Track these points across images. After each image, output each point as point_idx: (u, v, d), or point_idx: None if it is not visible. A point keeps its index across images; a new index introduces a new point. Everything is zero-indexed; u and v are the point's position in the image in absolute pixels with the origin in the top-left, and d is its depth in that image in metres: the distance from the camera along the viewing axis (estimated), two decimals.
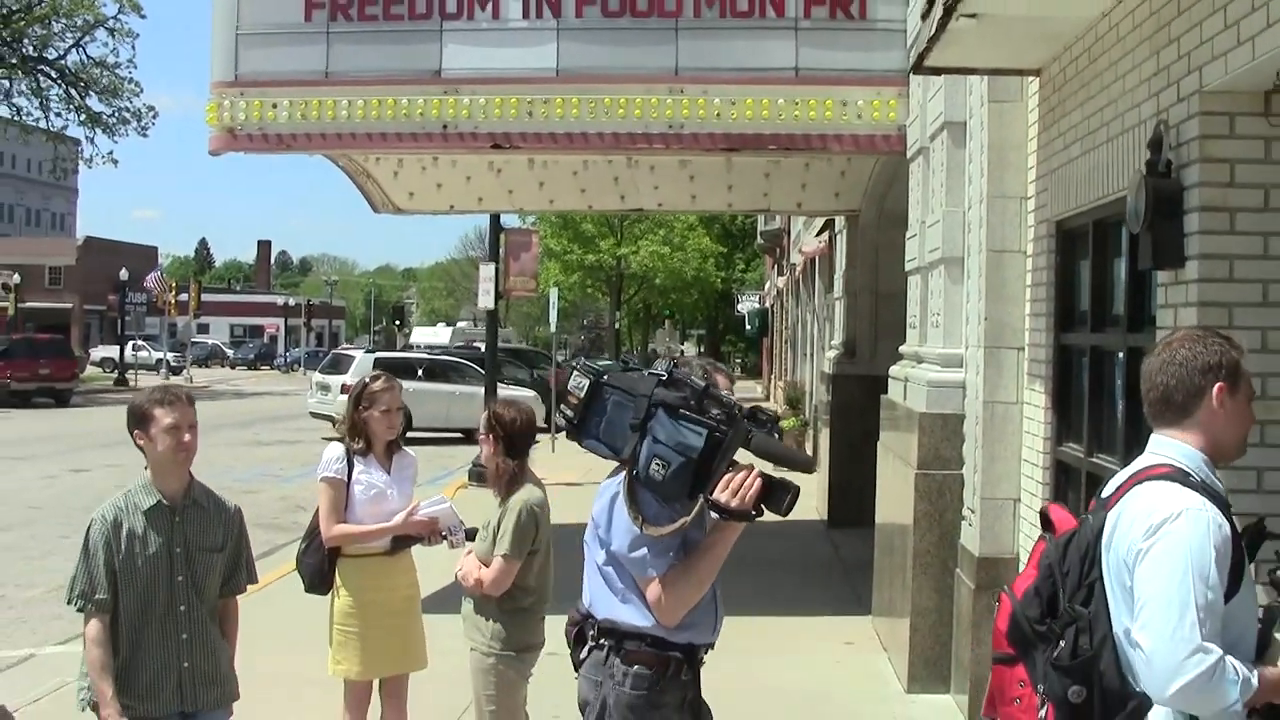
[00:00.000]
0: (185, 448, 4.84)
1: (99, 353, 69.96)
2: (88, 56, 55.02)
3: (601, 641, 4.15)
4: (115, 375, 56.14)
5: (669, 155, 13.14)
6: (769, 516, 3.94)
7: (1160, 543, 3.15)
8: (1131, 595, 3.22)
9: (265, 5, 10.85)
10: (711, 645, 4.30)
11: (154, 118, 55.54)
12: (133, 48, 60.59)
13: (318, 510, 6.20)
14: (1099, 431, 6.37)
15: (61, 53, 54.68)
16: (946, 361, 8.48)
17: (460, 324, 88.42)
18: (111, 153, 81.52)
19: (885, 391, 10.36)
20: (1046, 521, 3.75)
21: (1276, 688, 3.19)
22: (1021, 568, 7.21)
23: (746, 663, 8.69)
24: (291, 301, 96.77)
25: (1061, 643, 3.38)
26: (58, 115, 55.12)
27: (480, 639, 5.53)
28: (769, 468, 3.93)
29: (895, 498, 9.30)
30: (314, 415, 30.90)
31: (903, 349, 10.00)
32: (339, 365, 30.78)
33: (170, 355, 66.01)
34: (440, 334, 68.48)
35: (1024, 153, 7.68)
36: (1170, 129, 4.96)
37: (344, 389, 28.72)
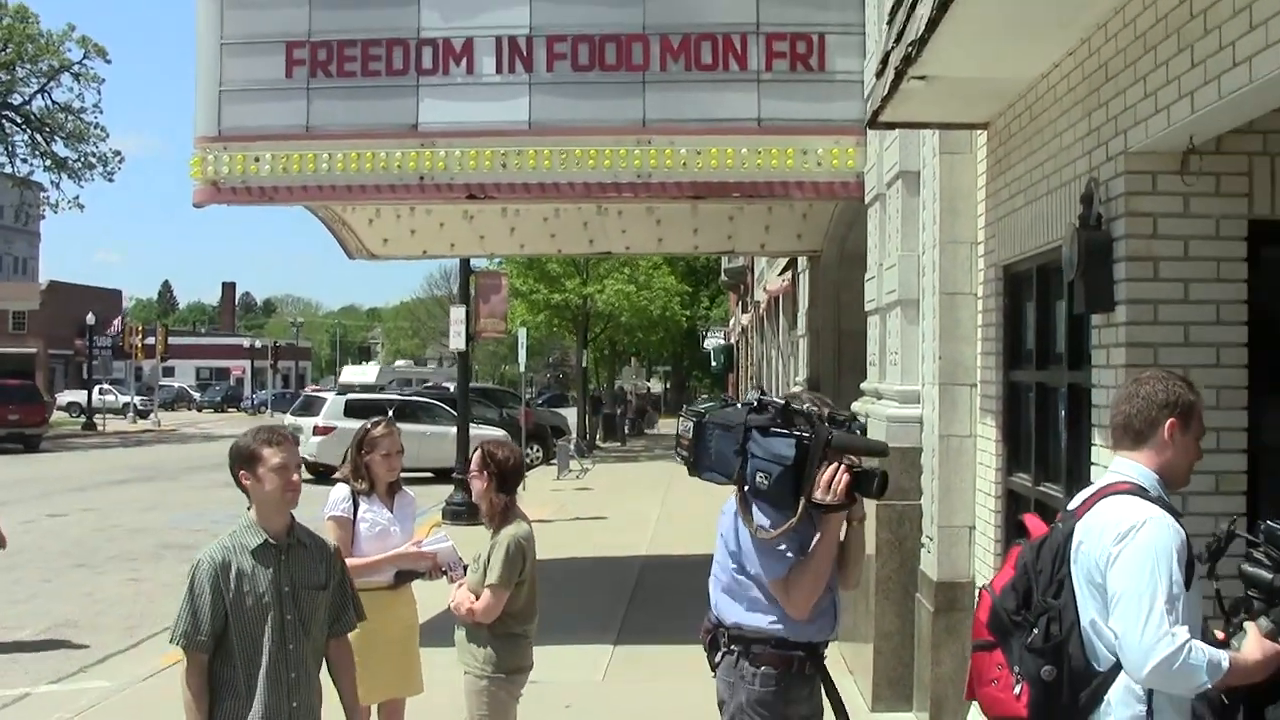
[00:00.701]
0: (293, 486, 4.86)
1: (64, 397, 69.68)
2: (53, 101, 55.16)
3: (732, 647, 4.75)
4: (83, 420, 55.90)
5: (637, 203, 13.60)
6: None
7: (1130, 546, 3.67)
8: (1101, 592, 3.74)
9: (248, 62, 11.21)
10: (828, 642, 4.88)
11: (120, 162, 55.72)
12: (98, 93, 60.44)
13: None
14: (1045, 462, 6.83)
15: (27, 98, 54.79)
16: (904, 398, 8.93)
17: (399, 363, 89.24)
18: (78, 197, 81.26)
19: None
20: (1022, 529, 4.26)
21: (1246, 671, 3.70)
22: (977, 591, 7.69)
23: (710, 686, 9.08)
24: (258, 343, 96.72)
25: (1035, 630, 3.88)
26: (24, 161, 55.19)
27: (473, 663, 5.92)
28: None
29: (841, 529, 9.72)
30: None
31: (864, 386, 10.45)
32: (311, 407, 30.99)
33: (137, 399, 65.90)
34: (368, 372, 69.72)
35: (974, 201, 8.16)
36: (1100, 185, 5.44)
37: (316, 430, 29.03)
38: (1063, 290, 6.37)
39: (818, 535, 4.64)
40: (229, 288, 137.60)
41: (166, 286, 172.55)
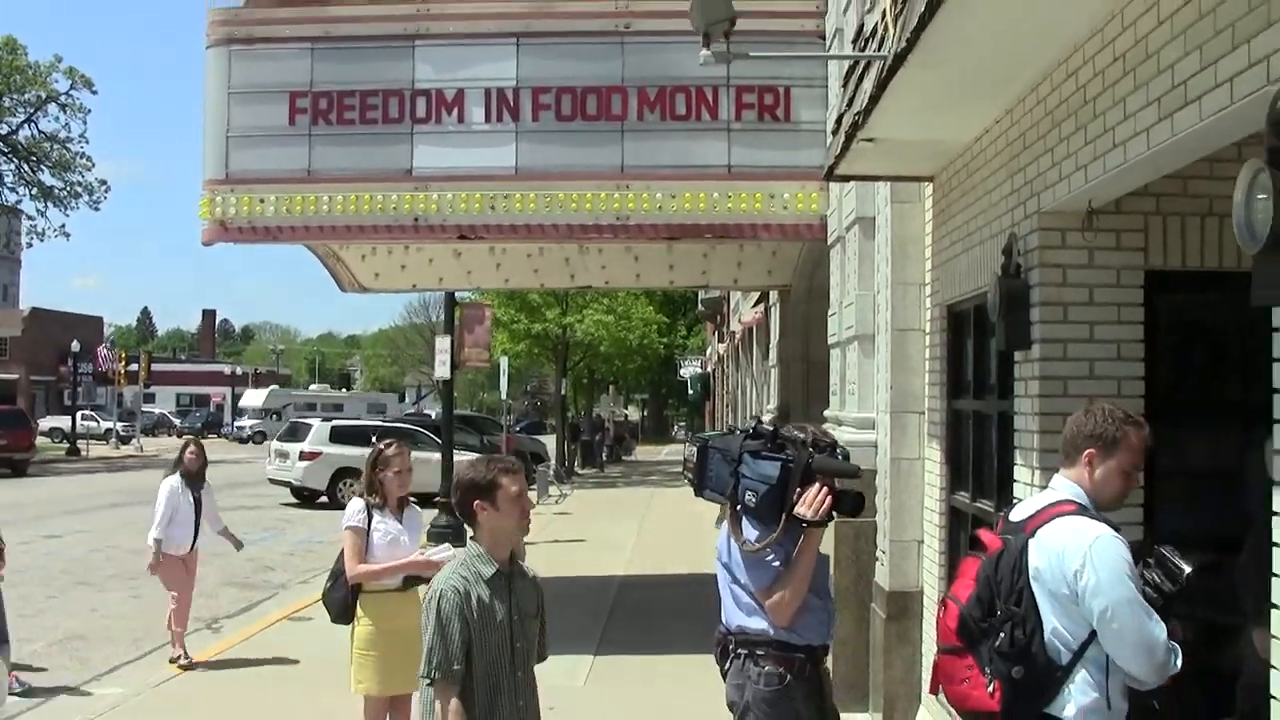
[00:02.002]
0: (528, 515, 5.02)
1: (46, 423, 70.11)
2: (39, 131, 55.82)
3: (739, 651, 5.40)
4: (66, 446, 56.36)
5: (617, 242, 14.43)
6: None
7: (1097, 563, 4.32)
8: (1066, 603, 4.38)
9: (253, 110, 12.03)
10: (828, 646, 5.57)
11: (106, 191, 56.42)
12: (84, 123, 61.02)
13: (341, 554, 7.41)
14: (980, 481, 7.63)
15: (13, 128, 55.42)
16: (861, 424, 9.74)
17: (312, 387, 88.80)
18: (64, 226, 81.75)
19: None
20: (977, 542, 4.95)
21: None
22: (925, 600, 8.52)
23: (688, 692, 9.91)
24: (239, 370, 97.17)
25: (1001, 635, 4.48)
26: (11, 190, 55.76)
27: None
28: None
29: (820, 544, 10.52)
30: (272, 481, 31.72)
31: (826, 413, 11.26)
32: (297, 433, 31.68)
33: (120, 425, 66.33)
34: (259, 396, 71.42)
35: (922, 245, 8.99)
36: (1019, 239, 6.28)
37: (302, 455, 29.72)
38: (993, 329, 7.19)
39: (799, 547, 5.28)
40: (209, 315, 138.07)
41: (146, 313, 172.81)
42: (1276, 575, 3.63)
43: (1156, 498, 5.91)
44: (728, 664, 5.46)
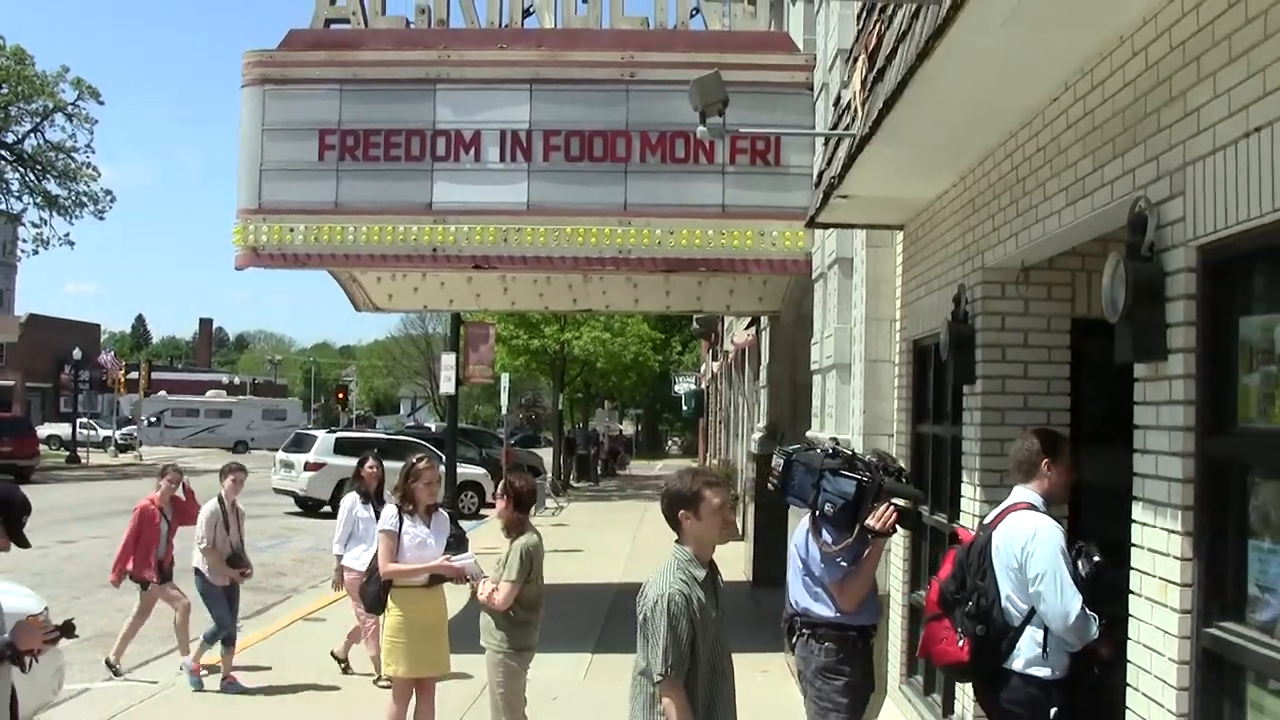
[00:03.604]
0: (729, 525, 5.49)
1: (44, 430, 70.70)
2: (45, 140, 56.36)
3: (803, 630, 6.88)
4: (67, 454, 57.00)
5: (618, 273, 15.49)
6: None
7: (1037, 544, 5.63)
8: (1015, 575, 5.69)
9: (285, 146, 13.07)
10: (876, 625, 7.11)
11: (111, 201, 57.00)
12: (90, 133, 61.72)
13: (377, 552, 8.46)
14: (938, 497, 8.66)
15: (20, 137, 56.05)
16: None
17: (209, 394, 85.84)
18: (68, 234, 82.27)
19: None
20: (956, 538, 6.40)
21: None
22: (892, 603, 9.52)
23: None
24: (236, 380, 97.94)
25: (969, 603, 5.82)
26: (16, 198, 56.42)
27: (493, 642, 7.74)
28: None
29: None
30: (277, 491, 32.57)
31: (808, 434, 12.29)
32: (302, 444, 32.58)
33: (119, 433, 66.97)
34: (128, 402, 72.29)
35: (893, 285, 10.03)
36: (967, 289, 7.34)
37: (307, 466, 30.66)
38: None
39: (867, 551, 6.73)
40: (206, 324, 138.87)
41: (140, 320, 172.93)
42: (1134, 568, 4.69)
43: (1081, 506, 7.01)
44: (794, 639, 6.97)
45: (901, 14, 5.82)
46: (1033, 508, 5.81)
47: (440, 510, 8.79)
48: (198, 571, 11.70)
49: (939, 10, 4.72)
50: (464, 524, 9.68)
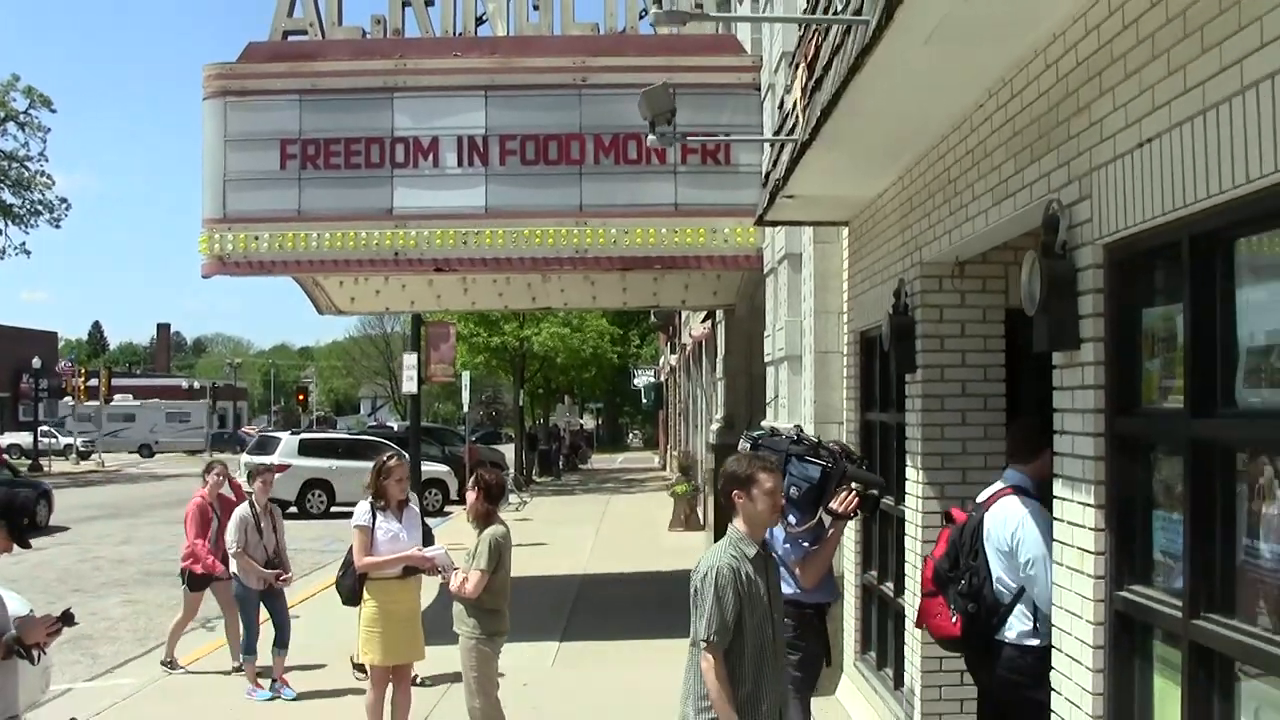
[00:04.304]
0: (779, 508, 5.84)
1: (3, 439, 70.32)
2: None
3: None
4: (28, 462, 56.82)
5: (575, 272, 15.87)
6: None
7: (1026, 529, 6.02)
8: (1007, 558, 6.10)
9: (248, 156, 13.34)
10: (831, 604, 7.66)
11: (67, 209, 56.91)
12: (44, 141, 61.35)
13: (351, 547, 8.81)
14: (888, 481, 9.07)
15: None
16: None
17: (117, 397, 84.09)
18: (24, 244, 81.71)
19: None
20: (949, 517, 6.71)
21: None
22: (845, 584, 9.91)
23: (640, 671, 11.53)
24: (196, 384, 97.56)
25: (962, 581, 6.32)
26: None
27: (465, 629, 8.10)
28: None
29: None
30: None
31: (763, 423, 12.70)
32: (266, 446, 32.78)
33: (79, 440, 66.75)
34: None
35: (840, 279, 10.46)
36: (907, 283, 7.76)
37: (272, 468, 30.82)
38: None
39: (829, 533, 7.22)
40: (164, 328, 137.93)
41: (97, 327, 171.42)
42: (1057, 540, 5.12)
43: None
44: None
45: (836, 27, 6.21)
46: (1023, 491, 6.18)
47: (411, 505, 9.13)
48: (234, 576, 11.70)
49: (866, 30, 5.12)
50: (429, 521, 9.93)
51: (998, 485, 6.36)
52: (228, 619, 12.46)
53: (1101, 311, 4.68)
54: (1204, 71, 3.76)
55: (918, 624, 6.88)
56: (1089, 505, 4.74)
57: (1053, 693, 5.16)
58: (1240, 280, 3.92)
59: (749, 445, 7.38)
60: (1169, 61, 4.00)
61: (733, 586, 5.36)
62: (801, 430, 7.73)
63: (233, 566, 11.61)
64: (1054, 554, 5.19)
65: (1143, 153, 4.22)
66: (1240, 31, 3.53)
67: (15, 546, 5.99)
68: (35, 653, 5.92)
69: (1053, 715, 5.16)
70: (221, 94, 13.38)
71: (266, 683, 11.52)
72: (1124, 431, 4.63)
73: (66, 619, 6.18)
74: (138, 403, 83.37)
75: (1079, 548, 4.86)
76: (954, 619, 6.22)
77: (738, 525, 5.63)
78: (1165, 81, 4.04)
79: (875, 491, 7.19)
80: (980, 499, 6.40)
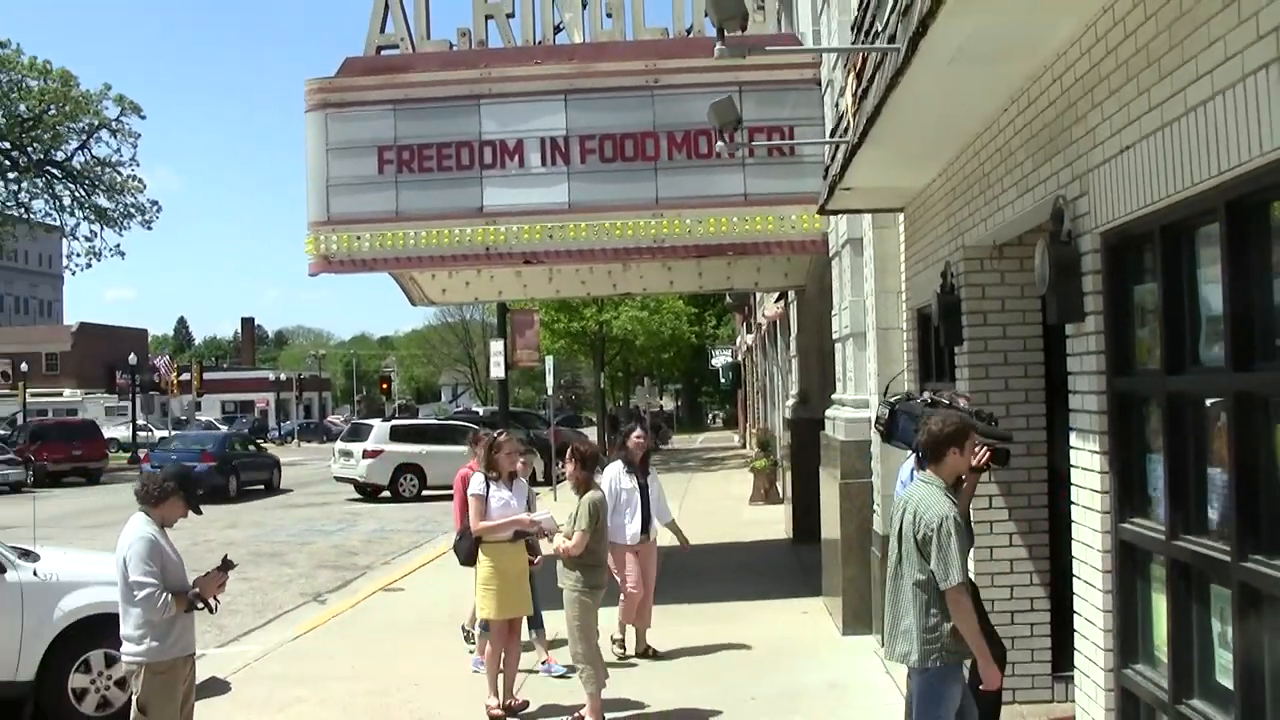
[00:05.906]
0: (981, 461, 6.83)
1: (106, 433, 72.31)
2: (92, 156, 58.13)
3: None
4: (127, 455, 58.69)
5: (653, 260, 16.85)
6: None
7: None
8: None
9: (348, 163, 14.43)
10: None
11: (158, 212, 58.76)
12: (134, 146, 63.22)
13: (468, 513, 9.88)
14: None
15: (68, 154, 57.78)
16: (858, 405, 12.09)
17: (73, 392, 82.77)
18: (119, 245, 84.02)
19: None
20: None
21: None
22: None
23: (733, 628, 12.44)
24: (282, 376, 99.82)
25: None
26: (69, 214, 58.10)
27: (569, 583, 9.15)
28: None
29: (830, 504, 12.89)
30: (338, 479, 34.06)
31: (834, 396, 13.62)
32: (359, 433, 34.08)
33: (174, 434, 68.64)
34: None
35: (898, 261, 11.33)
36: (952, 265, 8.66)
37: (365, 454, 32.15)
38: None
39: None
40: (248, 322, 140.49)
41: (182, 323, 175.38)
42: (1074, 484, 6.05)
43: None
44: None
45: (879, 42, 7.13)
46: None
47: (520, 478, 10.17)
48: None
49: (898, 56, 6.04)
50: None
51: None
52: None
53: (1100, 289, 5.59)
54: (1162, 94, 4.66)
55: None
56: (1095, 452, 5.66)
57: (1075, 608, 6.09)
58: (1201, 262, 4.82)
59: (886, 410, 8.03)
60: (1138, 84, 4.90)
61: (960, 532, 6.02)
62: (937, 393, 8.20)
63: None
64: (1073, 496, 6.10)
65: (1124, 158, 5.12)
66: (1183, 66, 4.43)
67: (190, 512, 7.08)
68: (212, 602, 7.01)
69: (1076, 626, 6.09)
70: (322, 106, 14.47)
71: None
72: (1121, 389, 5.54)
73: (226, 565, 7.25)
74: (81, 398, 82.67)
75: (1090, 489, 5.77)
76: None
77: (935, 476, 6.35)
78: (1136, 100, 4.94)
79: (1007, 446, 7.54)
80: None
